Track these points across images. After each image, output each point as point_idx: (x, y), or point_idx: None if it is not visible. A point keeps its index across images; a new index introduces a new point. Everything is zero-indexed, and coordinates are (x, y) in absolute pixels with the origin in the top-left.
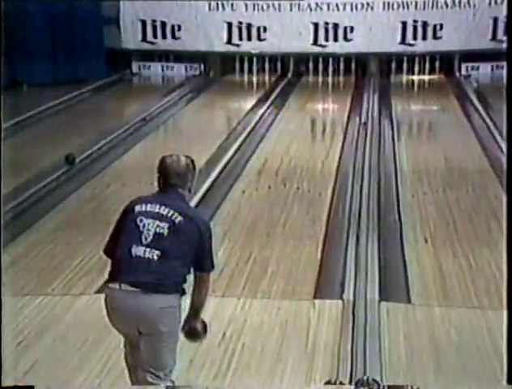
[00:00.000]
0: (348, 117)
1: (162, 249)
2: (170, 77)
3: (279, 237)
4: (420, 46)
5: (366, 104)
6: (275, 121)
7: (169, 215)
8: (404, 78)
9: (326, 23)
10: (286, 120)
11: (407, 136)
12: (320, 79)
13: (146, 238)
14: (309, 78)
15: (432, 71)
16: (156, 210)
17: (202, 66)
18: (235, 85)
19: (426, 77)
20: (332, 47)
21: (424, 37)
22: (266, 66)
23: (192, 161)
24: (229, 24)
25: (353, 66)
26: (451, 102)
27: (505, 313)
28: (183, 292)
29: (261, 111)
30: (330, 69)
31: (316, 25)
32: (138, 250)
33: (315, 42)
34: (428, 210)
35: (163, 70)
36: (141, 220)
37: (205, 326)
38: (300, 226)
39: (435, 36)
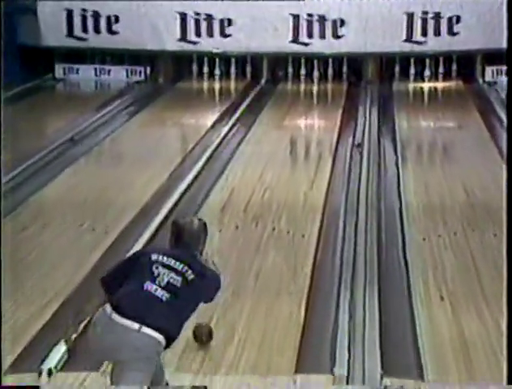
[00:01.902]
0: (339, 137)
1: (173, 295)
2: (106, 84)
3: (249, 292)
4: (432, 44)
5: (362, 119)
6: (244, 142)
7: (184, 271)
8: (411, 85)
9: (310, 15)
10: (258, 140)
11: (415, 161)
12: (302, 86)
13: (160, 282)
14: (287, 85)
15: (447, 77)
16: (172, 263)
17: (149, 69)
18: (191, 95)
19: (439, 84)
20: (317, 46)
21: (437, 33)
22: (232, 69)
23: (204, 224)
24: (183, 16)
25: (345, 69)
26: (472, 117)
27: (505, 312)
28: (168, 345)
29: (225, 129)
30: (315, 74)
31: (296, 17)
32: (150, 287)
33: (295, 39)
34: (445, 257)
35: (96, 74)
36: (157, 268)
37: (210, 331)
38: (278, 278)
39: (451, 32)
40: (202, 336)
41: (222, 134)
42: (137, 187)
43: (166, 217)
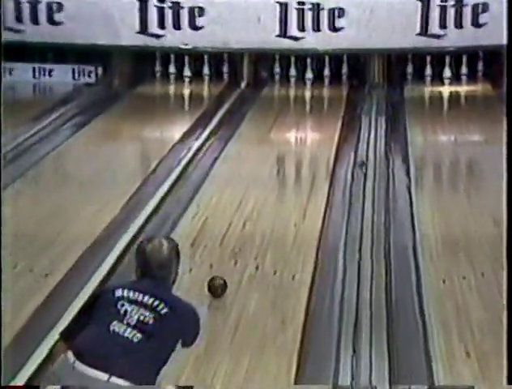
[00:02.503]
0: (337, 154)
1: (146, 334)
2: (47, 87)
3: (224, 349)
4: (453, 38)
5: (366, 132)
6: (220, 160)
7: (155, 305)
8: (427, 90)
9: (301, 3)
10: (237, 158)
11: (432, 185)
12: (292, 91)
13: (128, 321)
14: (274, 89)
15: (471, 79)
16: (140, 298)
17: (101, 69)
18: (154, 101)
19: (462, 88)
20: (311, 41)
21: (459, 24)
22: (205, 70)
23: (176, 246)
24: (143, 3)
25: (345, 70)
26: (503, 129)
27: (505, 312)
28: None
29: (196, 143)
30: (308, 75)
31: (284, 5)
32: (118, 328)
33: (283, 33)
34: (470, 304)
35: (35, 75)
36: (122, 305)
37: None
38: (261, 330)
39: (476, 23)
40: (218, 289)
41: (192, 151)
42: (85, 217)
43: (122, 254)
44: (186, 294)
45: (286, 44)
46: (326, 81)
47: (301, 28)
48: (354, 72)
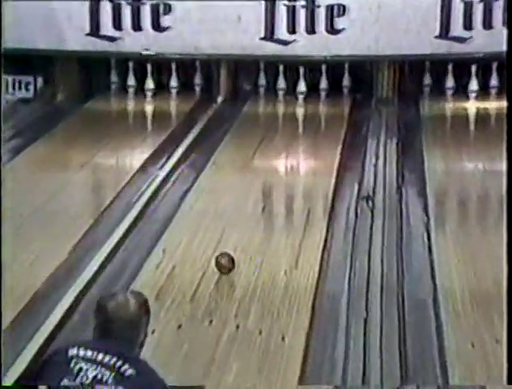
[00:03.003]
0: (337, 186)
1: None
2: None
3: None
4: (480, 43)
5: (373, 158)
6: (191, 194)
7: (117, 365)
8: (449, 106)
9: None
10: (214, 190)
11: (455, 225)
12: (281, 107)
13: (83, 379)
14: (258, 105)
15: (502, 92)
16: (100, 358)
17: (41, 80)
18: (109, 120)
19: (492, 103)
20: (304, 45)
21: (488, 24)
22: (173, 81)
23: (145, 302)
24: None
25: (346, 82)
26: None
27: (505, 311)
28: None
29: (162, 173)
30: (301, 88)
31: (270, 2)
32: (71, 386)
33: (270, 35)
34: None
35: None
36: (76, 363)
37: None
38: None
39: None
40: (229, 263)
41: (157, 182)
42: (22, 267)
43: (68, 313)
44: (150, 360)
45: (273, 49)
46: (323, 95)
47: (292, 30)
48: (358, 84)
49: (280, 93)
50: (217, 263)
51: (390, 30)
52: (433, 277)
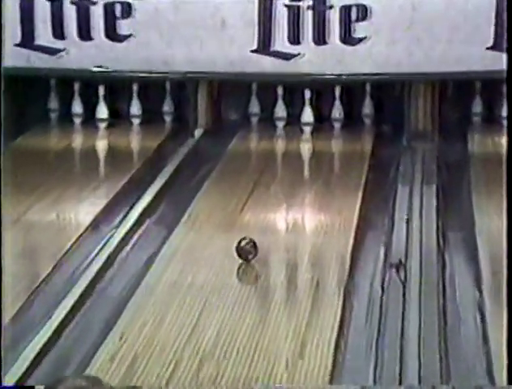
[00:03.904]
0: (356, 249)
1: None
2: None
3: None
4: None
5: (404, 211)
6: (159, 261)
7: None
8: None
9: None
10: (189, 255)
11: None
12: (279, 143)
13: None
14: (249, 140)
15: None
16: None
17: None
18: (49, 160)
19: None
20: (312, 59)
21: None
22: (134, 107)
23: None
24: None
25: (368, 109)
26: None
27: (505, 312)
28: None
29: (119, 233)
30: (307, 117)
31: (267, 2)
32: None
33: (265, 46)
34: None
35: None
36: None
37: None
38: None
39: None
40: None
41: (113, 245)
42: None
43: None
44: None
45: (269, 65)
46: (337, 127)
47: (295, 39)
48: (383, 112)
49: (279, 124)
50: (238, 248)
51: (427, 39)
52: (488, 371)
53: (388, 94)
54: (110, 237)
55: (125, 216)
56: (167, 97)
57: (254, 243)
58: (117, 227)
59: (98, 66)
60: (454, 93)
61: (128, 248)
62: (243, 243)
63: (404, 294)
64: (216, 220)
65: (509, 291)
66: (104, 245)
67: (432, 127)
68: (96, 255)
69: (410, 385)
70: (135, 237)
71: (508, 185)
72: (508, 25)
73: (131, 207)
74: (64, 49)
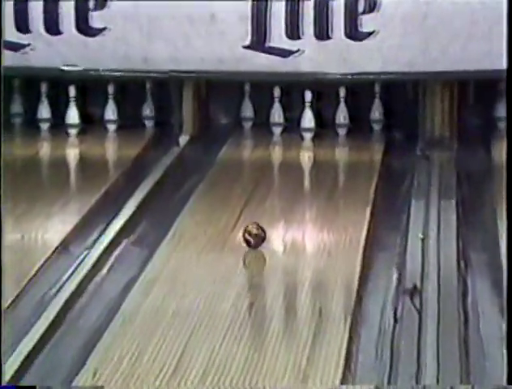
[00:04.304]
0: (364, 272)
1: None
2: None
3: None
4: None
5: (419, 229)
6: (138, 287)
7: None
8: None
9: None
10: (173, 280)
11: None
12: (277, 151)
13: None
14: (242, 148)
15: None
16: None
17: None
18: (12, 172)
19: None
20: (313, 57)
21: None
22: (109, 111)
23: None
24: None
25: (377, 113)
26: None
27: (505, 312)
28: None
29: (92, 254)
30: (308, 122)
31: None
32: None
33: (260, 42)
34: None
35: None
36: None
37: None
38: None
39: None
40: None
41: (86, 268)
42: None
43: None
44: None
45: (265, 63)
46: (342, 133)
47: (294, 34)
48: (395, 117)
49: (276, 130)
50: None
51: (445, 34)
52: None
53: (400, 96)
54: (83, 260)
55: (99, 236)
56: (147, 99)
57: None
58: (91, 248)
59: (68, 64)
60: (476, 95)
61: (103, 272)
62: (254, 231)
63: (420, 324)
64: (204, 239)
65: (510, 292)
66: (76, 268)
67: (450, 134)
68: (67, 280)
69: None
70: (111, 259)
71: (508, 185)
72: (508, 25)
73: (107, 225)
74: (29, 45)
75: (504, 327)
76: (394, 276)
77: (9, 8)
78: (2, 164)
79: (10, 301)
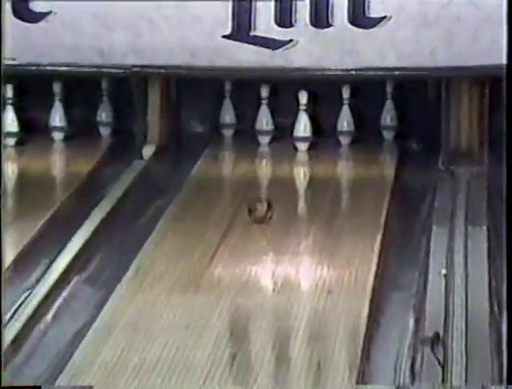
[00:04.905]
0: (373, 319)
1: None
2: None
3: None
4: None
5: (442, 263)
6: (93, 332)
7: None
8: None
9: None
10: (135, 324)
11: None
12: (263, 163)
13: None
14: (222, 161)
15: None
16: None
17: None
18: None
19: None
20: (310, 49)
21: None
22: (57, 115)
23: None
24: None
25: (389, 118)
26: None
27: (504, 312)
28: None
29: (37, 294)
30: (302, 130)
31: None
32: None
33: (243, 31)
34: None
35: None
36: None
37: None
38: None
39: None
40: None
41: (27, 312)
42: None
43: None
44: None
45: (249, 56)
46: (345, 142)
47: (286, 21)
48: (411, 123)
49: (263, 139)
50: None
51: (474, 20)
52: None
53: (417, 97)
54: (23, 302)
55: (44, 272)
56: (103, 102)
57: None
58: (33, 287)
59: (13, 58)
60: (510, 96)
61: (48, 317)
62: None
63: (443, 381)
64: (174, 276)
65: (509, 291)
66: (14, 313)
67: (479, 144)
68: (5, 326)
69: None
70: (59, 300)
71: (508, 187)
72: (508, 25)
73: (53, 259)
74: None
75: None
76: (411, 322)
77: None
78: (2, 165)
79: None
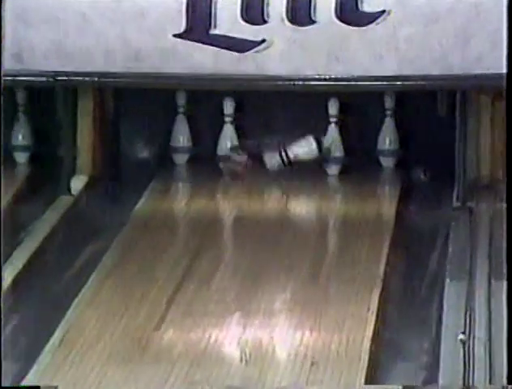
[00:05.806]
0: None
1: None
2: None
3: None
4: None
5: (458, 327)
6: None
7: None
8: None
9: None
10: None
11: None
12: (227, 197)
13: None
14: (173, 195)
15: None
16: None
17: None
18: None
19: None
20: (287, 52)
21: None
22: None
23: None
24: None
25: (388, 141)
26: None
27: (504, 312)
28: None
29: None
30: (277, 156)
31: None
32: None
33: (201, 26)
34: None
35: None
36: None
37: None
38: None
39: None
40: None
41: None
42: None
43: None
44: None
45: (209, 61)
46: (332, 172)
47: (257, 16)
48: (417, 147)
49: (226, 167)
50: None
51: (495, 17)
52: None
53: (424, 114)
54: None
55: None
56: (19, 118)
57: None
58: None
59: None
60: None
61: None
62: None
63: None
64: (111, 345)
65: (509, 290)
66: None
67: (504, 173)
68: None
69: None
70: None
71: (508, 186)
72: (508, 24)
73: None
74: None
75: None
76: None
77: None
78: (1, 165)
79: None
